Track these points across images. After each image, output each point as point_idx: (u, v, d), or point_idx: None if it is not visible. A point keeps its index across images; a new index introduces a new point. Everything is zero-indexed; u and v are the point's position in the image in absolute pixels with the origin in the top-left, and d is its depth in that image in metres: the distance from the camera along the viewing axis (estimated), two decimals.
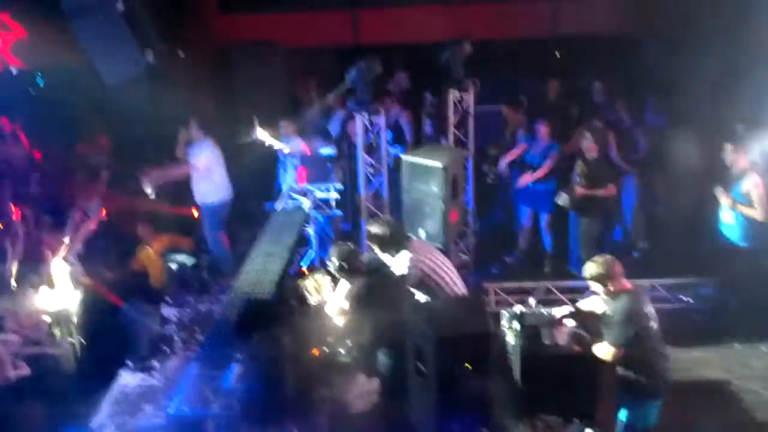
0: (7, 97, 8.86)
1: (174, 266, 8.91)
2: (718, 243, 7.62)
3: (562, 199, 8.48)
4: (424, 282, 6.09)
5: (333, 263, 5.76)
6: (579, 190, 8.36)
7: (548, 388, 5.41)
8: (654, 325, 5.42)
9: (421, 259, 6.13)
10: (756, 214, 7.18)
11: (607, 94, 9.64)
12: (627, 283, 5.51)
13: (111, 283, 8.23)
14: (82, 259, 8.08)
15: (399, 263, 6.05)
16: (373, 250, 6.25)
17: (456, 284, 6.32)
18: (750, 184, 7.19)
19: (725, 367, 7.07)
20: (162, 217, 9.26)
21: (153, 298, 8.55)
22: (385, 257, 6.07)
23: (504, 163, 9.03)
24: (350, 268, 5.69)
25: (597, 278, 5.53)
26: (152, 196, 8.49)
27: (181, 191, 9.15)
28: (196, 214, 9.14)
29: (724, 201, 7.36)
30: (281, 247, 7.04)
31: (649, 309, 5.46)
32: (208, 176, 8.86)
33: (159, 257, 8.93)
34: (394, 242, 6.13)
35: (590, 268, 5.59)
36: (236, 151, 9.06)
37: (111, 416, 7.18)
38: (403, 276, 5.96)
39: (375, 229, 6.23)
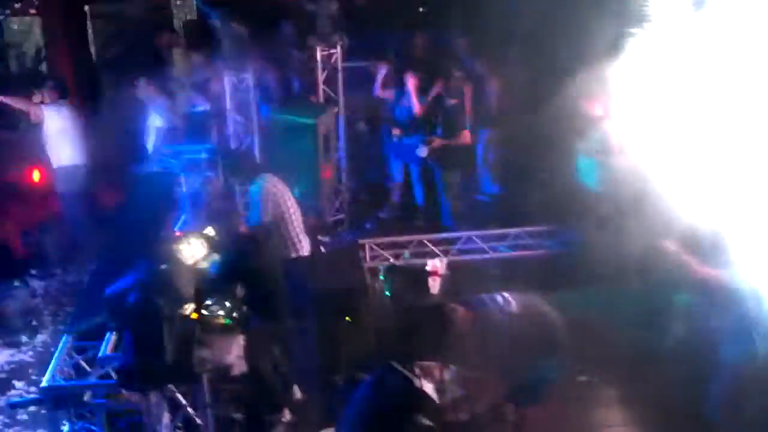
0: None
1: None
2: (576, 190, 8.01)
3: (421, 151, 8.70)
4: (274, 212, 6.28)
5: (211, 224, 5.72)
6: (436, 140, 8.58)
7: (423, 337, 5.56)
8: None
9: (274, 186, 6.40)
10: (610, 159, 7.58)
11: (468, 48, 9.84)
12: None
13: None
14: None
15: (256, 192, 6.31)
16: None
17: (299, 228, 6.50)
18: (603, 132, 7.58)
19: (587, 308, 7.49)
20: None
21: (15, 270, 8.16)
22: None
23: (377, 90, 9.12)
24: (229, 229, 5.67)
25: None
26: None
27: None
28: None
29: (581, 148, 7.73)
30: (151, 211, 6.86)
31: None
32: (61, 138, 8.52)
33: (17, 226, 8.52)
34: (245, 169, 6.50)
35: None
36: (98, 112, 8.71)
37: None
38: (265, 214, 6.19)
39: (226, 160, 6.66)
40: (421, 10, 11.49)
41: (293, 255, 6.51)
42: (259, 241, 5.76)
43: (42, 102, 8.58)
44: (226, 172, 6.95)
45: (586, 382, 6.67)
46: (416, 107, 8.77)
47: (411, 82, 8.82)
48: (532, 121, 8.84)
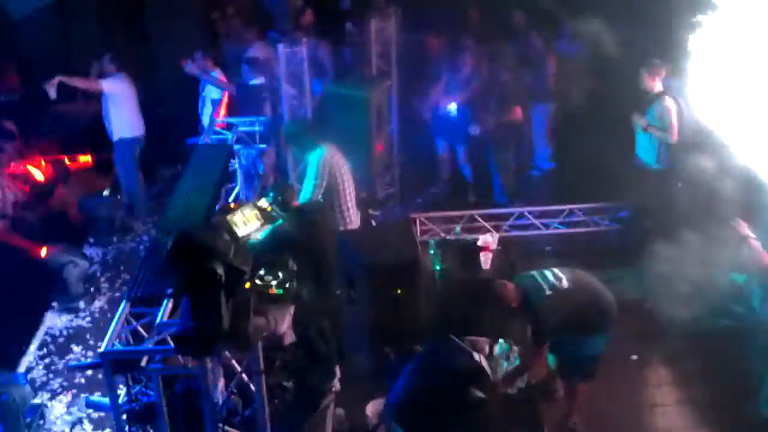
0: None
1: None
2: (633, 166, 7.87)
3: (474, 129, 8.63)
4: (329, 182, 6.36)
5: (268, 196, 5.77)
6: (490, 119, 8.49)
7: (473, 312, 5.57)
8: None
9: (333, 156, 6.51)
10: (668, 137, 7.43)
11: (524, 22, 9.68)
12: None
13: (31, 224, 8.00)
14: None
15: (313, 160, 6.39)
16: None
17: (351, 202, 6.56)
18: (663, 108, 7.43)
19: (640, 287, 7.39)
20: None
21: (74, 238, 8.36)
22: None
23: (433, 100, 9.03)
24: (283, 201, 5.70)
25: None
26: (53, 96, 8.24)
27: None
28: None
29: (640, 124, 7.59)
30: (206, 183, 6.94)
31: None
32: (118, 110, 8.66)
33: (76, 195, 8.71)
34: (308, 139, 6.55)
35: None
36: (153, 86, 8.83)
37: (40, 358, 7.11)
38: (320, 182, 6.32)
39: (289, 128, 6.72)
40: None
41: (342, 227, 6.56)
42: (312, 212, 5.80)
43: (100, 75, 8.73)
44: (287, 139, 7.03)
45: (636, 361, 6.61)
46: (470, 83, 8.68)
47: (466, 60, 8.71)
48: (590, 96, 8.74)
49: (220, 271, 3.72)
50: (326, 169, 6.45)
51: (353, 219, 6.74)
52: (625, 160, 7.94)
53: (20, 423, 5.94)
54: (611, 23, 8.21)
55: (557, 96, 9.18)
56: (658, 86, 7.49)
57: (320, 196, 6.43)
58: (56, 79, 8.19)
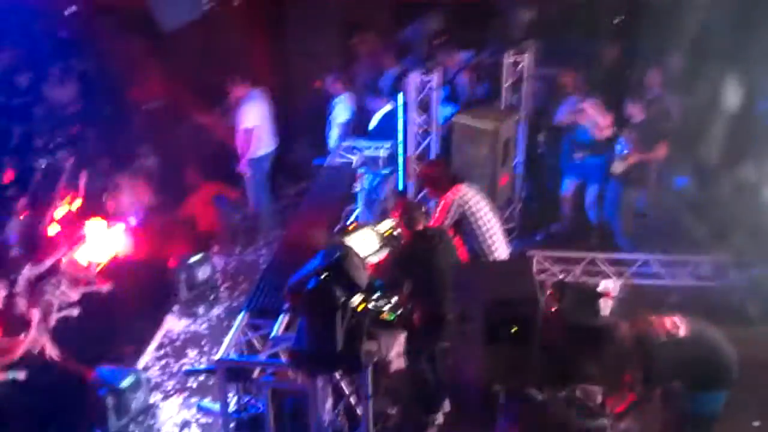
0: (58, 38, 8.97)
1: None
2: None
3: (617, 167, 8.32)
4: (467, 223, 6.31)
5: (394, 215, 5.81)
6: (633, 156, 8.18)
7: (587, 359, 5.36)
8: None
9: (469, 198, 6.39)
10: None
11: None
12: None
13: (161, 230, 8.38)
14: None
15: (447, 200, 6.36)
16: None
17: (498, 239, 6.39)
18: None
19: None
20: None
21: (201, 245, 8.67)
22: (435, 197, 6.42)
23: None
24: (410, 221, 5.70)
25: None
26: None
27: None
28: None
29: None
30: (329, 202, 7.07)
31: None
32: (254, 132, 8.88)
33: (208, 205, 9.05)
34: (444, 181, 6.45)
35: None
36: (287, 104, 9.06)
37: (156, 359, 7.39)
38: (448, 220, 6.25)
39: (426, 168, 6.76)
40: (615, 21, 11.04)
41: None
42: (435, 237, 5.76)
43: (237, 95, 9.01)
44: (424, 181, 7.00)
45: (759, 428, 6.19)
46: (599, 130, 8.45)
47: (592, 107, 8.48)
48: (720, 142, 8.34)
49: (338, 291, 3.74)
50: (458, 209, 6.41)
51: (499, 255, 6.63)
52: (756, 212, 7.51)
53: (109, 423, 6.15)
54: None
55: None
56: None
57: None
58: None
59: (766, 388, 6.45)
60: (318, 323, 3.76)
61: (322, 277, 3.77)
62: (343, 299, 3.76)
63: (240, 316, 5.03)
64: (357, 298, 4.46)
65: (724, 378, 5.21)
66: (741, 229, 7.67)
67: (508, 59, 8.23)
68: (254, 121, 8.77)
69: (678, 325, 5.19)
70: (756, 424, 6.22)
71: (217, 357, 4.68)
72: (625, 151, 8.23)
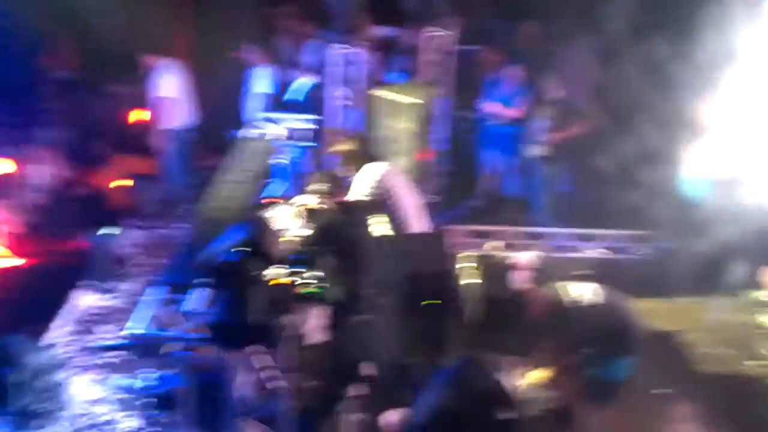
0: None
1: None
2: (676, 197, 7.73)
3: (536, 150, 8.49)
4: (385, 200, 6.22)
5: (315, 186, 5.75)
6: (555, 136, 8.35)
7: (502, 330, 5.49)
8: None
9: (388, 175, 6.33)
10: (715, 172, 7.28)
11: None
12: None
13: (73, 203, 8.14)
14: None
15: (365, 176, 6.24)
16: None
17: (417, 215, 6.43)
18: (714, 142, 7.28)
19: (673, 320, 7.25)
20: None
21: (113, 220, 8.46)
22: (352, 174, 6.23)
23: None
24: (332, 192, 5.67)
25: None
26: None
27: None
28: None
29: (689, 155, 7.46)
30: (248, 176, 6.98)
31: None
32: (169, 102, 8.70)
33: (122, 178, 8.82)
34: (363, 157, 6.35)
35: None
36: (205, 75, 8.88)
37: (69, 334, 7.19)
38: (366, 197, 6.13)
39: (342, 145, 6.50)
40: None
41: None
42: (353, 214, 5.76)
43: (150, 65, 8.78)
44: (343, 155, 6.90)
45: (660, 395, 6.47)
46: (519, 100, 8.59)
47: (512, 73, 8.63)
48: (636, 126, 8.57)
49: (255, 266, 3.71)
50: (377, 186, 6.39)
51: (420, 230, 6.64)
52: (668, 189, 7.79)
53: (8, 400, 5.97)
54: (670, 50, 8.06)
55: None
56: (703, 121, 7.33)
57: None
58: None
59: (669, 359, 6.76)
60: (232, 297, 3.73)
61: (236, 250, 3.74)
62: (257, 273, 3.73)
63: (154, 291, 4.94)
64: (274, 272, 4.45)
65: (632, 345, 5.43)
66: (652, 204, 7.94)
67: (430, 35, 8.25)
68: (167, 91, 8.57)
69: (589, 293, 5.36)
70: (659, 391, 6.49)
71: (129, 332, 4.60)
72: (542, 133, 8.40)
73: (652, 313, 7.01)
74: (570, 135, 8.40)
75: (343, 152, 6.77)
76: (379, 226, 6.16)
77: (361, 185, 6.43)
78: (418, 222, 6.51)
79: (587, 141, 8.77)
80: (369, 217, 5.93)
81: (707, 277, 7.47)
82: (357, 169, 6.50)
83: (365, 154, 6.54)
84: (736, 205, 7.54)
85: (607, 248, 8.32)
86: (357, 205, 6.01)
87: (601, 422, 5.59)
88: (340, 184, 5.98)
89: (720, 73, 7.46)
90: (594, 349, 5.29)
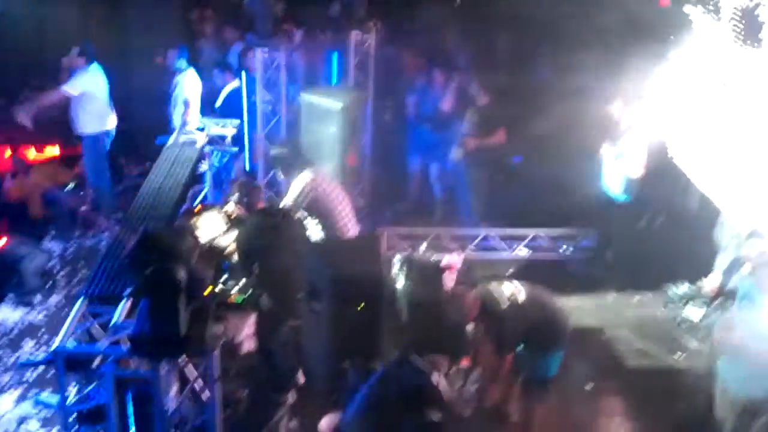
0: None
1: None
2: (597, 196, 7.94)
3: (456, 153, 8.60)
4: (318, 207, 6.22)
5: (233, 196, 5.70)
6: (472, 142, 8.49)
7: (434, 331, 5.56)
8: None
9: (320, 183, 6.35)
10: (635, 169, 7.52)
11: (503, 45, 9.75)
12: None
13: None
14: None
15: (297, 184, 6.26)
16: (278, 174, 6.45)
17: (349, 220, 6.44)
18: (632, 140, 7.51)
19: (599, 316, 7.47)
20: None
21: (34, 231, 8.21)
22: (288, 180, 6.27)
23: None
24: (249, 202, 5.63)
25: None
26: (30, 127, 8.10)
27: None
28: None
29: (608, 154, 7.67)
30: (173, 183, 6.85)
31: None
32: (87, 104, 8.51)
33: (38, 187, 8.56)
34: (296, 163, 6.39)
35: None
36: (126, 81, 8.72)
37: None
38: (297, 204, 6.12)
39: (276, 150, 6.57)
40: (457, 2, 11.35)
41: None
42: (277, 216, 5.71)
43: (70, 66, 8.57)
44: (274, 162, 6.90)
45: (591, 391, 6.65)
46: (446, 103, 8.69)
47: (438, 78, 8.73)
48: (557, 123, 8.78)
49: (181, 275, 3.66)
50: (309, 193, 6.38)
51: (351, 235, 6.65)
52: (590, 187, 8.00)
53: None
54: (584, 53, 8.29)
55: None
56: (628, 118, 7.56)
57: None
58: (25, 109, 8.08)
59: (597, 353, 6.96)
60: (159, 307, 3.66)
61: (161, 259, 3.68)
62: (183, 282, 3.68)
63: (78, 303, 4.81)
64: (202, 281, 4.39)
65: (561, 339, 5.58)
66: (573, 204, 8.15)
67: (353, 38, 8.29)
68: (84, 90, 8.38)
69: (517, 291, 5.48)
70: (589, 387, 6.67)
71: (53, 347, 4.46)
72: (464, 135, 8.51)
73: (578, 310, 7.26)
74: (489, 143, 8.53)
75: (278, 157, 6.74)
76: (310, 230, 6.16)
77: (292, 190, 6.41)
78: (348, 226, 6.53)
79: (509, 143, 8.97)
80: (297, 222, 5.92)
81: (632, 272, 7.73)
82: (288, 174, 6.48)
83: (300, 159, 6.53)
84: (657, 201, 7.84)
85: (533, 247, 8.50)
86: (283, 210, 5.97)
87: (534, 419, 5.74)
88: (260, 192, 5.96)
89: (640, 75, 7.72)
90: (526, 344, 5.45)
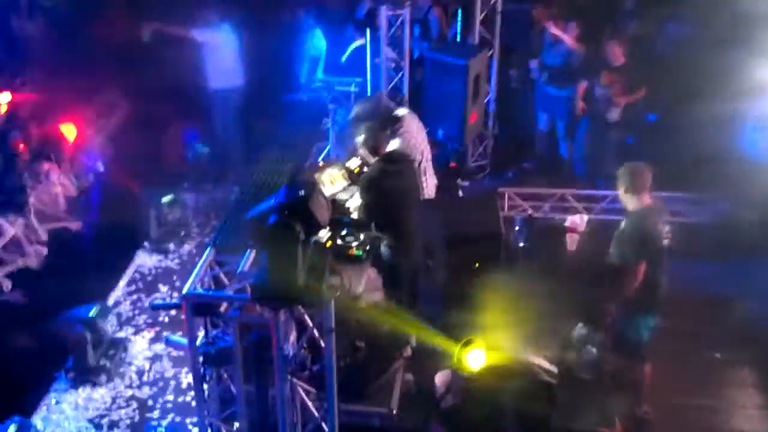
0: None
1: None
2: (735, 160, 7.51)
3: (613, 115, 8.30)
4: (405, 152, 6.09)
5: (359, 139, 5.71)
6: (622, 99, 8.17)
7: (555, 292, 5.48)
8: (664, 243, 5.41)
9: (411, 136, 6.18)
10: None
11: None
12: (648, 198, 5.42)
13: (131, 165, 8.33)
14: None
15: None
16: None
17: (428, 173, 6.35)
18: None
19: (734, 284, 7.10)
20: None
21: (172, 182, 8.64)
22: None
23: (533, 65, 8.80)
24: (375, 146, 5.59)
25: (620, 189, 5.44)
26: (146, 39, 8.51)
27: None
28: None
29: (750, 115, 7.23)
30: (298, 139, 7.02)
31: (662, 227, 5.43)
32: (218, 59, 8.75)
33: (178, 140, 8.99)
34: (382, 120, 6.09)
35: (618, 177, 5.47)
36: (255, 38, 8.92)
37: (127, 294, 7.43)
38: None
39: (359, 108, 6.24)
40: None
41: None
42: (400, 161, 5.70)
43: (201, 24, 8.84)
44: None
45: (720, 360, 6.39)
46: (576, 55, 8.40)
47: (570, 34, 8.43)
48: (695, 83, 8.33)
49: (298, 227, 3.76)
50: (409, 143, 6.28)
51: (429, 187, 6.57)
52: (729, 149, 7.57)
53: (88, 356, 6.26)
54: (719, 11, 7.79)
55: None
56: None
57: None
58: (151, 25, 8.38)
59: (730, 322, 6.63)
60: (278, 259, 3.78)
61: (283, 213, 3.79)
62: (303, 236, 3.78)
63: (206, 252, 5.04)
64: (323, 234, 4.50)
65: (658, 305, 5.44)
66: (713, 166, 7.74)
67: None
68: (218, 52, 8.62)
69: None
70: (718, 355, 6.40)
71: (185, 292, 4.71)
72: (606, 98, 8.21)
73: (713, 277, 6.88)
74: (634, 99, 8.20)
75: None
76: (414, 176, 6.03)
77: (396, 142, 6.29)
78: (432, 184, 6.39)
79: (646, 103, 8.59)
80: (409, 166, 5.84)
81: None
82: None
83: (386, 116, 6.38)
84: None
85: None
86: (406, 157, 5.90)
87: (646, 379, 5.58)
88: (383, 133, 5.84)
89: None
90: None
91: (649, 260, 5.29)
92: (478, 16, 8.27)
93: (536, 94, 9.00)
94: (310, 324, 4.43)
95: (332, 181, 5.85)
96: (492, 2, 8.27)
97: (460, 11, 8.55)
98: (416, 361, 5.72)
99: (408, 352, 5.77)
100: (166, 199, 8.08)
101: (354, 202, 5.73)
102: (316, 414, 4.71)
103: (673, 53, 8.79)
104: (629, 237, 5.33)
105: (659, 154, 9.06)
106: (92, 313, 6.48)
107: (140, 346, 6.76)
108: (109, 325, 6.64)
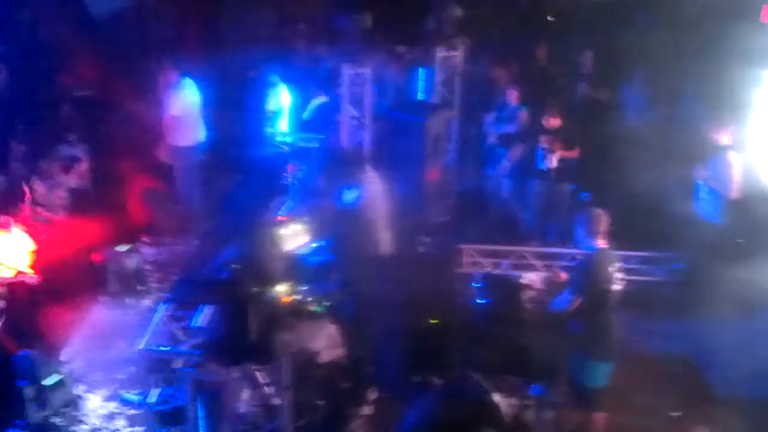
0: None
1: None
2: (687, 219, 7.67)
3: (549, 161, 8.47)
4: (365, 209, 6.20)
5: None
6: (558, 154, 8.37)
7: (509, 350, 5.51)
8: (614, 288, 5.54)
9: (372, 186, 6.31)
10: (728, 192, 7.25)
11: (592, 65, 9.58)
12: (603, 243, 5.66)
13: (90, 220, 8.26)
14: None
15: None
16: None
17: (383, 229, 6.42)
18: (726, 163, 7.25)
19: (687, 342, 7.18)
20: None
21: (131, 236, 8.56)
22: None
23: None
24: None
25: (578, 231, 5.69)
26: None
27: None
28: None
29: (701, 176, 7.43)
30: (259, 194, 7.06)
31: (613, 272, 5.58)
32: (183, 120, 8.77)
33: (138, 195, 8.93)
34: (350, 172, 6.32)
35: (576, 221, 5.76)
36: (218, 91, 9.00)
37: (82, 349, 7.26)
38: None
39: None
40: (549, 19, 11.23)
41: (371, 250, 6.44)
42: (360, 235, 5.78)
43: (164, 80, 8.90)
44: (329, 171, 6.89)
45: (676, 418, 6.41)
46: (520, 120, 8.60)
47: (513, 94, 8.65)
48: (649, 144, 8.55)
49: (250, 283, 3.77)
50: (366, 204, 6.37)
51: (382, 242, 6.62)
52: (683, 210, 7.74)
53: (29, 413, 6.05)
54: (676, 74, 8.07)
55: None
56: (723, 140, 7.31)
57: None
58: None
59: (685, 380, 6.68)
60: (230, 314, 3.77)
61: (235, 268, 3.79)
62: (255, 291, 3.78)
63: (162, 307, 5.01)
64: (280, 290, 4.50)
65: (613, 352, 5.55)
66: (668, 226, 7.90)
67: (440, 55, 8.31)
68: (181, 109, 8.68)
69: None
70: (675, 414, 6.42)
71: (141, 348, 4.66)
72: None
73: (667, 335, 6.95)
74: (570, 155, 8.40)
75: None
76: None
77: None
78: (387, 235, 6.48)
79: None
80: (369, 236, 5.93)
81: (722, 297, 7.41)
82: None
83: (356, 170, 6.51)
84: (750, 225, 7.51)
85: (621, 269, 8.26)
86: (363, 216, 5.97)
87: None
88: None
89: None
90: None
91: (594, 301, 5.41)
92: (439, 76, 8.43)
93: (488, 154, 9.15)
94: (264, 382, 4.40)
95: (294, 236, 5.87)
96: (452, 62, 8.45)
97: (420, 71, 8.73)
98: (378, 418, 5.68)
99: (366, 410, 5.73)
100: (124, 249, 7.98)
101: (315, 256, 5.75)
102: None
103: (628, 116, 9.04)
104: (577, 271, 5.49)
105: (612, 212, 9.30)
106: (46, 380, 6.26)
107: (94, 404, 6.60)
108: (63, 389, 6.44)
